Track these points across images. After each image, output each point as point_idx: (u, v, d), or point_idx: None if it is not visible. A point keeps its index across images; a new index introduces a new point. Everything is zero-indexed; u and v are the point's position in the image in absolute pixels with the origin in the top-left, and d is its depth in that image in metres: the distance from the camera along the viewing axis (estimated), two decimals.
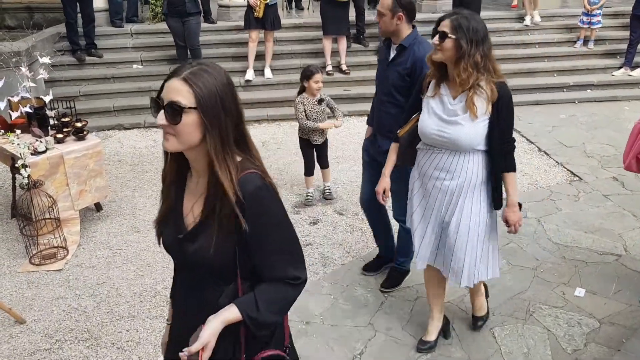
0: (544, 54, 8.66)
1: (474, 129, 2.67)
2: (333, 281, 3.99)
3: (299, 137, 5.03)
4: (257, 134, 6.97)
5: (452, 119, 2.70)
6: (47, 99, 4.64)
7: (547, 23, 9.03)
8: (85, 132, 4.63)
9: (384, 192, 3.14)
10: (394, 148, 3.09)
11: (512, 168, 2.80)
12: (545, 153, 6.23)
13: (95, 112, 7.32)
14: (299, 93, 4.89)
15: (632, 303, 3.68)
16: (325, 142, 5.05)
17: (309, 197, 5.12)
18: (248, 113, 7.39)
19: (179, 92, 1.50)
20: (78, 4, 7.61)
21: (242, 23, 7.82)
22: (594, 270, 4.06)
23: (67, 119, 4.72)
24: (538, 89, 8.14)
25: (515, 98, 8.02)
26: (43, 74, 4.64)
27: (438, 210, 2.91)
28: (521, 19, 9.21)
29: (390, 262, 4.00)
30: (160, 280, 4.01)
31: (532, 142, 6.53)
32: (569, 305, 3.68)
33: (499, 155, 2.74)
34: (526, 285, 3.89)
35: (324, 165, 5.14)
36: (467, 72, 2.59)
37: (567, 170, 5.79)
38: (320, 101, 4.83)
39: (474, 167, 2.77)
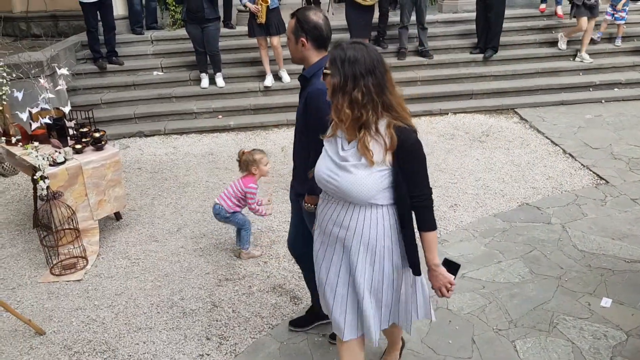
0: (569, 53, 8.46)
1: (367, 180, 2.25)
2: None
3: None
4: (276, 138, 6.96)
5: (342, 164, 2.29)
6: (66, 109, 4.68)
7: (573, 20, 8.81)
8: (103, 142, 4.65)
9: None
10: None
11: (428, 226, 2.37)
12: (571, 155, 6.07)
13: (117, 120, 7.39)
14: None
15: None
16: None
17: None
18: (268, 118, 7.43)
19: None
20: (99, 13, 7.69)
21: None
22: (621, 279, 3.92)
23: (85, 129, 4.75)
24: (563, 88, 7.96)
25: (540, 98, 7.97)
26: (62, 85, 4.68)
27: (343, 275, 2.48)
28: (544, 16, 9.01)
29: (325, 318, 3.46)
30: (177, 291, 4.01)
31: (556, 144, 6.37)
32: (595, 317, 3.56)
33: (409, 212, 2.34)
34: (550, 295, 3.77)
35: None
36: (342, 113, 2.20)
37: (594, 173, 5.63)
38: None
39: (374, 225, 2.36)
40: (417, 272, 2.46)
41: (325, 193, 2.46)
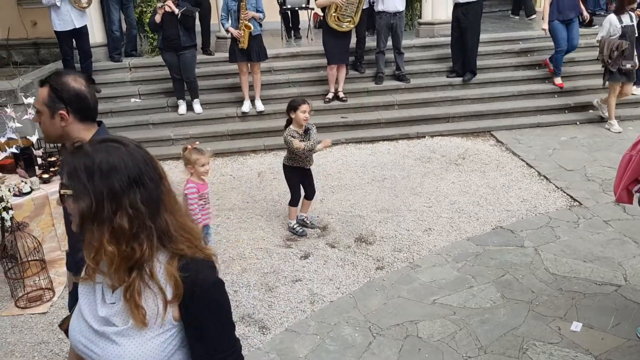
0: (544, 76, 8.56)
1: (142, 352, 1.46)
2: (321, 320, 3.87)
3: (285, 165, 4.98)
4: (253, 164, 6.93)
5: (103, 331, 1.48)
6: (33, 138, 4.64)
7: (542, 44, 8.95)
8: None
9: None
10: None
11: None
12: (545, 177, 6.09)
13: None
14: (286, 126, 4.85)
15: (630, 337, 3.51)
16: (310, 170, 5.07)
17: (296, 229, 5.05)
18: (245, 143, 7.41)
19: None
20: (74, 41, 7.68)
21: None
22: (591, 302, 3.90)
23: (53, 159, 4.70)
24: (539, 111, 8.03)
25: (516, 121, 8.01)
26: (29, 115, 4.64)
27: None
28: (520, 40, 9.12)
29: None
30: None
31: (531, 167, 6.40)
32: (565, 341, 3.52)
33: None
34: (520, 321, 3.74)
35: (310, 196, 5.08)
36: (102, 254, 1.42)
37: (567, 195, 5.65)
38: (306, 131, 4.82)
39: None
40: None
41: None
